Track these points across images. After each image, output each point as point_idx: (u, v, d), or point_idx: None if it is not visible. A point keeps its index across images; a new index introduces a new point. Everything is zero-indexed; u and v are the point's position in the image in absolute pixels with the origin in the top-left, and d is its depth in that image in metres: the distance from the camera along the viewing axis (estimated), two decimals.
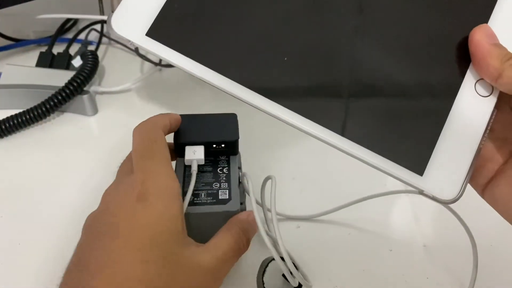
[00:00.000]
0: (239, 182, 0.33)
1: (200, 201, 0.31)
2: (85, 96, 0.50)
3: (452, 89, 0.25)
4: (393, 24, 0.25)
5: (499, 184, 0.25)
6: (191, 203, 0.31)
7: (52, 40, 0.60)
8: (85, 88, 0.51)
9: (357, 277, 0.35)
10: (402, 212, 0.41)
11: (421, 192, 0.23)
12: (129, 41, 0.24)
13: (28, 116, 0.47)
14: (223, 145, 0.34)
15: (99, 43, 0.62)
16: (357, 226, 0.40)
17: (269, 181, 0.32)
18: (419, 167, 0.23)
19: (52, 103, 0.48)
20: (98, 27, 0.64)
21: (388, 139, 0.24)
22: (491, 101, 0.24)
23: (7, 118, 0.47)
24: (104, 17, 0.64)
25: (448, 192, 0.23)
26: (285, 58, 0.24)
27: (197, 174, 0.32)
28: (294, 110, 0.24)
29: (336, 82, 0.24)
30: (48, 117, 0.49)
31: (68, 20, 0.66)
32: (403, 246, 0.38)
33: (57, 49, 0.58)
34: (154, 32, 0.24)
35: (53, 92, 0.49)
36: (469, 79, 0.25)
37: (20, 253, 0.36)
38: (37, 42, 0.63)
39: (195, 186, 0.31)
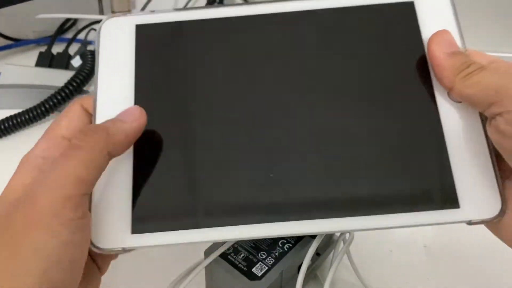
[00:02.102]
0: (282, 272, 0.29)
1: (232, 259, 0.29)
2: None
3: (432, 109, 0.24)
4: (349, 85, 0.25)
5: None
6: (224, 255, 0.29)
7: (51, 40, 0.60)
8: (84, 88, 0.51)
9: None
10: None
11: (470, 223, 0.22)
12: (122, 248, 0.23)
13: (27, 116, 0.47)
14: None
15: None
16: None
17: None
18: (452, 201, 0.23)
19: (51, 103, 0.48)
20: (97, 27, 0.64)
21: (408, 194, 0.23)
22: None
23: (7, 118, 0.47)
24: (104, 17, 0.64)
25: (493, 208, 0.22)
26: (271, 175, 0.24)
27: None
28: (312, 217, 0.23)
29: (336, 171, 0.24)
30: (47, 117, 0.49)
31: (68, 20, 0.65)
32: (403, 246, 0.38)
33: (57, 49, 0.58)
34: (138, 226, 0.23)
35: (52, 92, 0.48)
36: (439, 91, 0.24)
37: None
38: (37, 42, 0.63)
39: (242, 243, 0.30)
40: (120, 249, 0.23)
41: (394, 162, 0.24)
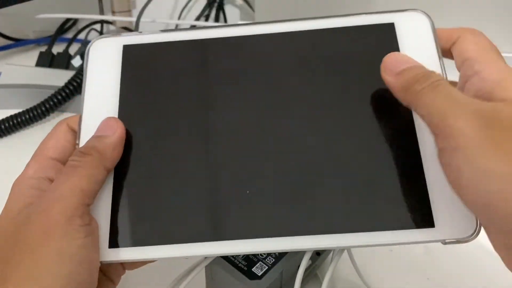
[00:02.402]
0: (282, 271, 0.29)
1: (232, 259, 0.29)
2: None
3: (408, 130, 0.24)
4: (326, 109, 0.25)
5: None
6: (225, 256, 0.29)
7: (52, 40, 0.60)
8: None
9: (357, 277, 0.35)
10: None
11: (444, 242, 0.22)
12: (99, 262, 0.23)
13: (27, 116, 0.47)
14: None
15: None
16: None
17: None
18: (427, 220, 0.22)
19: (51, 103, 0.48)
20: (98, 27, 0.64)
21: (384, 213, 0.23)
22: None
23: (7, 118, 0.47)
24: (104, 17, 0.64)
25: (467, 227, 0.22)
26: (247, 192, 0.24)
27: None
28: (287, 234, 0.23)
29: (312, 186, 0.24)
30: (47, 117, 0.49)
31: (68, 20, 0.65)
32: (404, 246, 0.38)
33: (57, 49, 0.58)
34: (115, 241, 0.24)
35: (52, 92, 0.49)
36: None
37: None
38: (37, 42, 0.63)
39: None
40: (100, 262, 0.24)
41: (370, 182, 0.24)
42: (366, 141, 0.24)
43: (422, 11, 0.26)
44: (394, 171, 0.23)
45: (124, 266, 0.27)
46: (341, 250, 0.31)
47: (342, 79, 0.26)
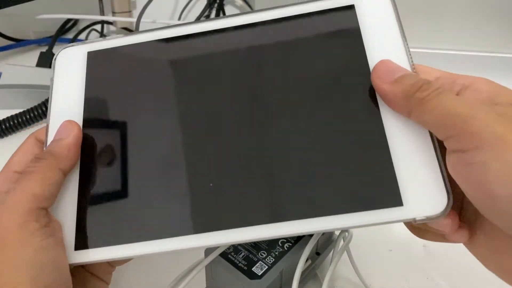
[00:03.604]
0: (282, 271, 0.29)
1: (232, 258, 0.29)
2: None
3: (373, 110, 0.24)
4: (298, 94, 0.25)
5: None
6: (224, 254, 0.29)
7: (52, 40, 0.60)
8: None
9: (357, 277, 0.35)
10: None
11: (414, 221, 0.22)
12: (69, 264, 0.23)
13: (28, 116, 0.47)
14: None
15: None
16: None
17: None
18: (395, 199, 0.22)
19: None
20: (98, 27, 0.64)
21: (351, 195, 0.22)
22: None
23: (7, 118, 0.47)
24: (105, 18, 0.64)
25: (438, 204, 0.21)
26: (211, 184, 0.24)
27: None
28: (253, 224, 0.23)
29: (278, 173, 0.24)
30: None
31: (69, 20, 0.66)
32: (403, 246, 0.38)
33: (58, 49, 0.57)
34: (81, 243, 0.24)
35: None
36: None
37: None
38: (38, 42, 0.63)
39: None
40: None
41: (335, 165, 0.23)
42: (330, 124, 0.24)
43: None
44: (359, 153, 0.23)
45: (111, 263, 0.27)
46: (341, 250, 0.31)
47: (304, 64, 0.26)
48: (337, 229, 0.22)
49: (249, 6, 0.65)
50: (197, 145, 0.25)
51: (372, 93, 0.24)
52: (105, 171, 0.25)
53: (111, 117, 0.27)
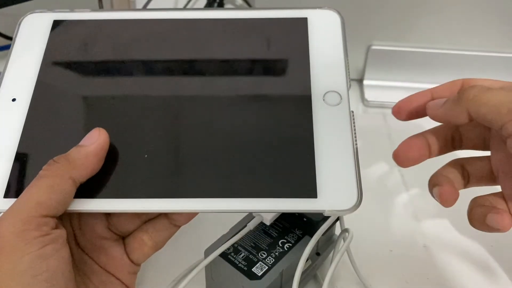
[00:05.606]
0: (282, 271, 0.29)
1: (232, 259, 0.30)
2: None
3: (306, 111, 0.25)
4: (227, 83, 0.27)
5: None
6: (224, 255, 0.30)
7: None
8: None
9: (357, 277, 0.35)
10: (402, 212, 0.41)
11: (324, 213, 0.23)
12: None
13: None
14: (304, 219, 0.32)
15: None
16: (357, 226, 0.39)
17: None
18: (310, 191, 0.23)
19: None
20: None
21: (270, 181, 0.24)
22: (344, 106, 0.25)
23: None
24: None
25: (348, 201, 0.23)
26: (146, 156, 0.25)
27: (254, 233, 0.31)
28: (176, 196, 0.24)
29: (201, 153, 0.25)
30: None
31: None
32: (403, 246, 0.38)
33: None
34: (11, 190, 0.24)
35: None
36: (316, 96, 0.26)
37: None
38: None
39: (242, 242, 0.30)
40: None
41: (260, 152, 0.25)
42: (261, 115, 0.26)
43: (335, 10, 0.28)
44: (287, 146, 0.25)
45: (133, 261, 0.27)
46: (342, 250, 0.31)
47: (244, 55, 0.28)
48: (247, 211, 0.24)
49: (249, 5, 0.65)
50: (137, 119, 0.26)
51: (307, 94, 0.26)
52: (49, 129, 0.26)
53: (63, 84, 0.28)
